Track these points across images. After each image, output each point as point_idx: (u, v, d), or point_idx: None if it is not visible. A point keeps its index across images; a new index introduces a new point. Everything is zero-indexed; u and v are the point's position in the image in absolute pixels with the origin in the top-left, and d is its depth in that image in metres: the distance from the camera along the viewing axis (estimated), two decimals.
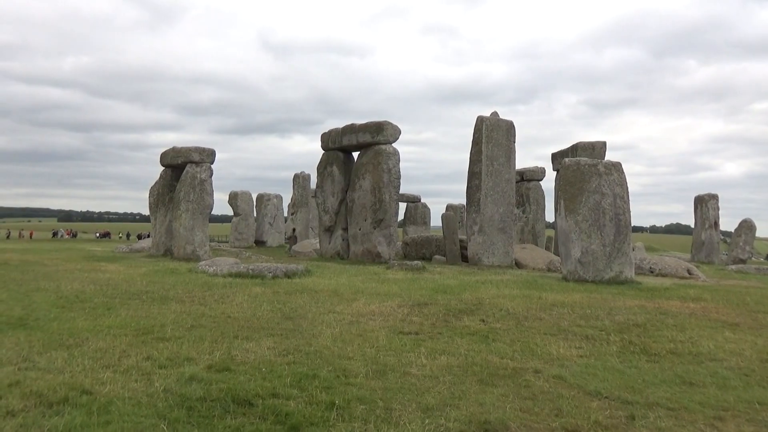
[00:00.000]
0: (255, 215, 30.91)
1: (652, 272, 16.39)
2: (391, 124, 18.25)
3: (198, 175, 17.06)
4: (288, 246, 25.56)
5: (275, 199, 31.11)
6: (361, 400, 4.32)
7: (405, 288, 10.84)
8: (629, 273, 12.94)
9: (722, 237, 29.77)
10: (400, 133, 18.44)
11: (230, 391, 4.40)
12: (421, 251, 21.47)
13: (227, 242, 32.70)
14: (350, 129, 19.12)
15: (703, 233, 25.64)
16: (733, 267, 19.31)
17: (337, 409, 4.11)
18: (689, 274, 16.15)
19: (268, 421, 3.91)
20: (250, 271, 11.75)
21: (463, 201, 20.95)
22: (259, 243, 30.02)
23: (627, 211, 13.17)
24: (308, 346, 5.97)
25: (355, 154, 19.90)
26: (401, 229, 30.94)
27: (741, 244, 24.97)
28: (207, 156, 17.75)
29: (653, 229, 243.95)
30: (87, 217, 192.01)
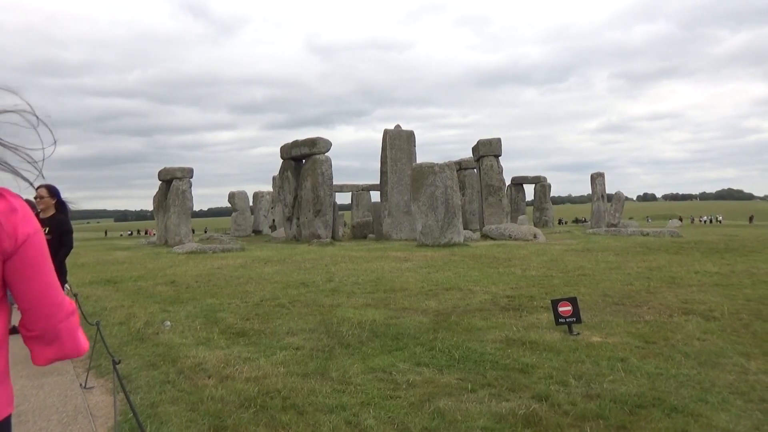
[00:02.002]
0: (252, 209, 37.53)
1: (510, 237, 21.86)
2: (322, 139, 24.11)
3: (180, 187, 23.68)
4: (270, 233, 31.97)
5: (268, 196, 37.57)
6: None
7: (292, 254, 16.83)
8: (458, 239, 18.57)
9: None
10: (330, 145, 24.26)
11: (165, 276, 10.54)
12: (363, 231, 27.42)
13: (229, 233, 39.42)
14: (296, 144, 25.11)
15: (594, 204, 30.60)
16: (590, 230, 24.53)
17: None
18: (534, 237, 21.52)
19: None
20: (199, 250, 18.08)
21: None
22: (256, 232, 36.44)
23: (456, 196, 18.79)
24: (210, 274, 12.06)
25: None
26: None
27: (612, 211, 29.81)
28: (187, 173, 24.33)
29: (703, 196, 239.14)
30: (141, 215, 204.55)
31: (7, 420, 1.39)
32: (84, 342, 1.51)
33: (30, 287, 1.33)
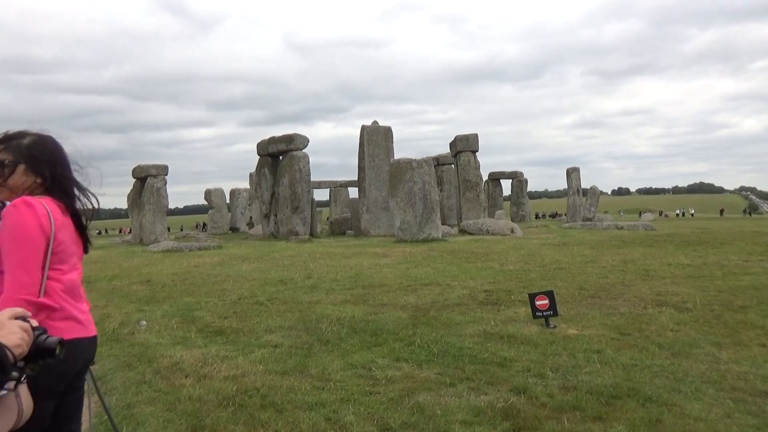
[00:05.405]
0: (229, 206, 37.18)
1: (487, 232, 22.00)
2: (300, 135, 23.97)
3: (155, 185, 23.40)
4: (248, 230, 31.76)
5: (245, 193, 37.25)
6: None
7: (270, 251, 16.72)
8: (437, 234, 18.64)
9: None
10: (308, 141, 24.13)
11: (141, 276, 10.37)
12: (341, 228, 27.37)
13: (204, 230, 39.01)
14: (272, 140, 24.93)
15: (570, 198, 31.04)
16: (566, 224, 24.86)
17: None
18: (511, 231, 21.71)
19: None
20: (175, 248, 17.86)
21: None
22: (234, 229, 36.06)
23: (434, 192, 18.85)
24: (186, 272, 11.90)
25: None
26: None
27: (587, 206, 30.33)
28: (161, 170, 24.09)
29: (675, 190, 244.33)
30: (115, 213, 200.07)
31: (95, 338, 2.15)
32: None
33: None
